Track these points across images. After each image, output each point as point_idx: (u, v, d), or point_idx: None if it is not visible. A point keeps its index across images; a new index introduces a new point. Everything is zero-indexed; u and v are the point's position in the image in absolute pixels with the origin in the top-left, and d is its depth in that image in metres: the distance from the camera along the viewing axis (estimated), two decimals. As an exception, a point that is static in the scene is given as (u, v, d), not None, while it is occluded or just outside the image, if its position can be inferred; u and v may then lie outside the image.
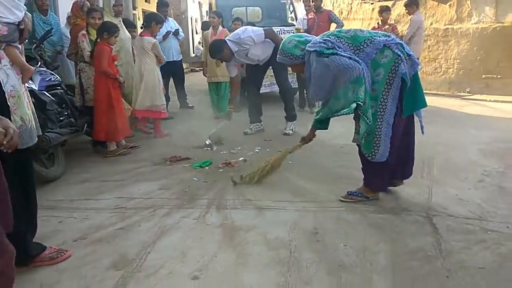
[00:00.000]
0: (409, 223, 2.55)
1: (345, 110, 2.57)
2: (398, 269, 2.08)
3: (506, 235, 2.38)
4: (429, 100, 7.27)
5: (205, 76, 6.56)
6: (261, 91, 7.08)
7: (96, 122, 4.34)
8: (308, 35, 3.03)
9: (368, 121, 2.52)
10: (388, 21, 7.13)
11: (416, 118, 2.85)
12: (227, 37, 4.90)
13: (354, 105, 2.47)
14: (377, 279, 2.00)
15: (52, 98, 3.96)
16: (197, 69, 12.51)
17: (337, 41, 2.62)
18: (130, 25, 5.58)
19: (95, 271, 2.18)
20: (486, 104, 7.17)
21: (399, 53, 2.54)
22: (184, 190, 3.31)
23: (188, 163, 4.03)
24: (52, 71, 4.68)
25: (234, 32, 4.96)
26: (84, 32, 4.47)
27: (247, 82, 5.53)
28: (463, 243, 2.29)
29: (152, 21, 4.96)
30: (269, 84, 7.51)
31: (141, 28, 5.69)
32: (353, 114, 2.70)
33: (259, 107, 5.39)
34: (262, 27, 6.71)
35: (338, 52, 2.54)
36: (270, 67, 5.24)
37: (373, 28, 6.97)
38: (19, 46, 2.19)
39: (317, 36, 6.48)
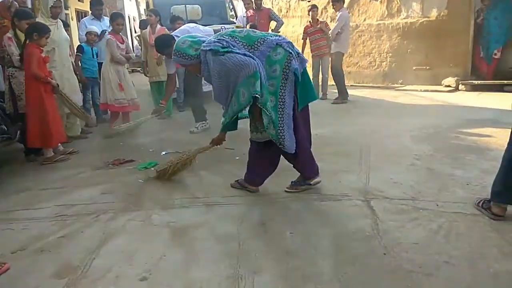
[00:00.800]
0: (349, 207, 2.70)
1: (245, 107, 2.71)
2: (340, 250, 2.20)
3: (436, 212, 2.59)
4: (365, 92, 7.77)
5: (146, 76, 6.43)
6: (204, 90, 7.12)
7: (28, 129, 4.08)
8: (201, 35, 3.06)
9: (268, 113, 2.65)
10: (318, 18, 7.38)
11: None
12: (174, 33, 4.77)
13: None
14: (321, 261, 2.10)
15: (-21, 105, 3.71)
16: (138, 69, 12.15)
17: (232, 40, 2.72)
18: (64, 25, 5.32)
19: (37, 281, 2.09)
20: (417, 94, 7.68)
21: (290, 50, 2.72)
22: (128, 193, 3.24)
23: (132, 165, 3.95)
24: (-23, 76, 4.38)
25: (181, 28, 4.83)
26: (10, 35, 4.18)
27: (188, 81, 5.46)
28: (398, 222, 2.47)
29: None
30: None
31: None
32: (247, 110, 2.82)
33: (202, 105, 5.38)
34: (203, 25, 6.74)
35: (233, 50, 2.64)
36: None
37: (306, 27, 7.22)
38: None
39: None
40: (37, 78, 3.98)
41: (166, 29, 5.86)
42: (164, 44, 4.50)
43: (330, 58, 7.23)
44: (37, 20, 4.45)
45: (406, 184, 3.04)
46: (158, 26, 6.00)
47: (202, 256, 2.24)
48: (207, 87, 7.20)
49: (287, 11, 11.55)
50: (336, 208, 2.69)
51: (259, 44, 2.71)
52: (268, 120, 2.67)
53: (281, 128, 2.71)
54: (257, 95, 2.57)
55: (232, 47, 2.66)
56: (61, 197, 3.27)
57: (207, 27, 4.92)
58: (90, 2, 6.72)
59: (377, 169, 3.39)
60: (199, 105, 5.37)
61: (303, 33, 7.24)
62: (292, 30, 11.00)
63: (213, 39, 2.76)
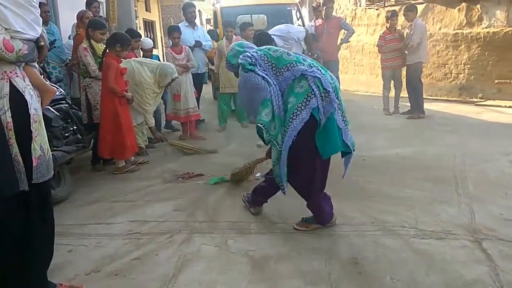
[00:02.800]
0: (457, 248, 2.31)
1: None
2: (458, 307, 1.84)
3: None
4: (440, 106, 7.18)
5: (216, 88, 6.43)
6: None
7: (100, 138, 4.11)
8: (250, 44, 2.90)
9: (278, 147, 2.43)
10: (396, 27, 6.92)
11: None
12: (271, 31, 4.69)
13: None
14: (437, 320, 1.76)
15: (56, 113, 3.74)
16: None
17: (261, 58, 2.53)
18: (136, 35, 5.37)
19: (113, 313, 1.94)
20: (502, 110, 6.95)
21: (313, 87, 2.38)
22: (200, 211, 3.07)
23: (202, 180, 3.80)
24: (55, 84, 4.47)
25: (277, 27, 4.75)
26: (85, 45, 4.22)
27: None
28: (522, 272, 2.05)
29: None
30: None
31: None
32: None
33: None
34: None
35: (256, 70, 2.47)
36: None
37: (384, 33, 6.76)
38: (36, 65, 1.97)
39: (326, 43, 6.31)
40: (113, 92, 3.98)
41: (241, 38, 5.77)
42: (265, 40, 4.25)
43: (401, 70, 6.77)
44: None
45: (521, 222, 2.58)
46: (234, 37, 5.91)
47: (289, 297, 1.98)
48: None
49: (352, 19, 11.13)
50: (441, 249, 2.31)
51: (285, 69, 2.46)
52: (277, 155, 2.47)
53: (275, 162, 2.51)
54: (260, 125, 2.40)
55: (259, 66, 2.50)
56: (133, 211, 3.17)
57: (300, 27, 4.79)
58: (182, 7, 6.79)
59: (480, 200, 2.94)
60: None
61: (379, 39, 6.78)
62: (358, 39, 10.57)
63: (248, 53, 2.59)
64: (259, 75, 2.45)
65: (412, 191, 3.18)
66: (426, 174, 3.56)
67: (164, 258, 2.42)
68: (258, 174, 3.75)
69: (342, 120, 2.49)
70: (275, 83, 2.44)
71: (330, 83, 2.43)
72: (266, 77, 2.45)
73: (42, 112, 3.41)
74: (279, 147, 2.42)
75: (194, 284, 2.13)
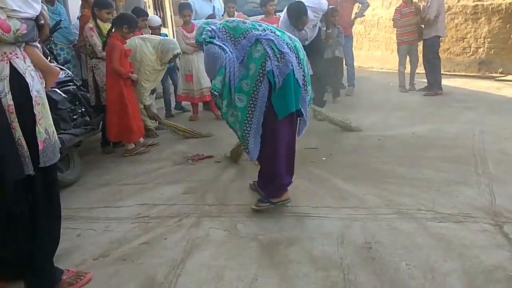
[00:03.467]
0: (477, 233, 2.20)
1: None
2: (477, 295, 1.75)
3: None
4: (459, 82, 6.92)
5: None
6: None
7: (107, 121, 4.06)
8: (216, 21, 2.80)
9: (224, 114, 2.54)
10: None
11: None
12: (304, 2, 4.41)
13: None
14: (455, 309, 1.67)
15: (64, 95, 3.69)
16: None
17: (220, 30, 2.54)
18: (142, 14, 5.24)
19: (120, 299, 1.90)
20: (523, 85, 6.67)
21: (268, 50, 2.39)
22: (210, 194, 3.01)
23: (212, 162, 3.74)
24: (62, 65, 4.41)
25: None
26: (91, 25, 4.12)
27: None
28: (547, 258, 1.94)
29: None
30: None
31: None
32: None
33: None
34: (277, 11, 6.34)
35: (213, 41, 2.50)
36: None
37: (401, 6, 6.47)
38: (38, 45, 1.89)
39: (339, 17, 6.05)
40: (118, 74, 3.90)
41: (243, 14, 5.60)
42: (301, 11, 4.25)
43: (418, 45, 6.51)
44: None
45: (545, 205, 2.45)
46: (236, 12, 5.72)
47: (300, 284, 1.91)
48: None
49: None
50: (459, 233, 2.20)
51: (242, 38, 2.47)
52: (229, 121, 2.55)
53: (247, 131, 2.49)
54: (214, 92, 2.49)
55: (217, 38, 2.52)
56: (143, 194, 3.13)
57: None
58: None
59: (501, 181, 2.80)
60: None
61: (395, 13, 6.49)
62: (373, 13, 10.21)
63: (209, 27, 2.58)
64: (216, 45, 2.47)
65: (429, 172, 3.05)
66: (443, 154, 3.42)
67: (172, 243, 2.37)
68: None
69: (302, 79, 2.51)
70: (231, 51, 2.45)
71: (287, 43, 2.45)
72: (223, 46, 2.47)
73: (48, 95, 3.41)
74: (224, 115, 2.53)
75: (202, 269, 2.08)
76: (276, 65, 2.37)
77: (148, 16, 5.56)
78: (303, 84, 2.50)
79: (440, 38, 6.39)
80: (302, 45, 4.34)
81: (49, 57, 4.23)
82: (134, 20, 4.00)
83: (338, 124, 4.36)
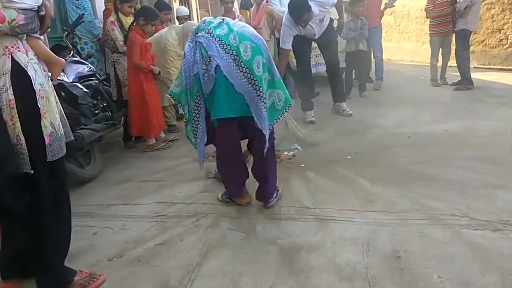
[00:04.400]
0: (518, 243, 2.00)
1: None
2: (520, 315, 1.57)
3: None
4: (494, 76, 6.54)
5: None
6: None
7: (129, 116, 4.04)
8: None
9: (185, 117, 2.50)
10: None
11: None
12: None
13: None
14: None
15: (85, 90, 3.66)
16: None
17: (194, 31, 2.42)
18: (165, 8, 5.16)
19: (132, 304, 1.83)
20: None
21: (197, 53, 2.27)
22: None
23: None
24: (85, 60, 4.40)
25: None
26: (113, 19, 4.08)
27: (299, 60, 4.83)
28: None
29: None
30: (314, 65, 6.97)
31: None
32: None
33: (312, 91, 4.90)
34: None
35: (188, 43, 2.41)
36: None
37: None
38: (41, 37, 1.82)
39: (368, 8, 5.76)
40: (139, 68, 3.85)
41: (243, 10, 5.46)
42: (305, 7, 3.93)
43: (451, 37, 6.17)
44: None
45: None
46: (264, 1, 5.56)
47: (321, 294, 1.78)
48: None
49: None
50: (497, 243, 2.01)
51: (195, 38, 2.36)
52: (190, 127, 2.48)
53: (195, 137, 2.48)
54: (169, 95, 2.52)
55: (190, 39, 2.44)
56: (161, 192, 3.07)
57: None
58: None
59: (544, 185, 2.57)
60: (310, 91, 4.81)
61: (428, 3, 6.15)
62: (403, 3, 9.83)
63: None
64: (187, 47, 2.40)
65: (463, 173, 2.84)
66: (478, 154, 3.18)
67: (189, 244, 2.29)
68: None
69: (250, 84, 2.24)
70: (191, 54, 2.33)
71: (227, 45, 2.21)
72: (187, 48, 2.38)
73: (69, 90, 3.39)
74: (185, 119, 2.48)
75: (217, 275, 1.98)
76: (204, 69, 2.24)
77: (171, 10, 5.48)
78: (253, 89, 2.24)
79: (470, 32, 5.99)
80: (312, 40, 4.10)
81: (72, 51, 4.24)
82: (151, 12, 3.91)
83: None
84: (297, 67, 4.88)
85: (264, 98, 2.27)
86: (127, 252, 2.27)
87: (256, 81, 2.23)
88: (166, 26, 4.99)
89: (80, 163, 3.47)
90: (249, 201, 2.68)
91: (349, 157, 3.41)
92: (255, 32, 2.41)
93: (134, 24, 3.87)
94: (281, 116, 2.43)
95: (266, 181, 2.57)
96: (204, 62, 2.25)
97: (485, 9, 7.99)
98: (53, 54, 1.84)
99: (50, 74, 1.86)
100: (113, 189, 3.24)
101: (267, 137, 2.34)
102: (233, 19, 2.61)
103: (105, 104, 4.05)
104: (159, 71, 4.05)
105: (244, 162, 2.66)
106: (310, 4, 3.96)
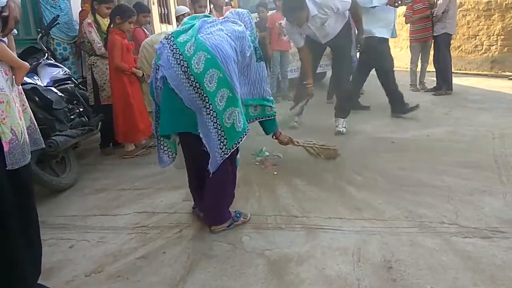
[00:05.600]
0: (508, 250, 1.98)
1: None
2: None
3: None
4: (471, 81, 6.65)
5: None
6: (289, 76, 6.54)
7: (114, 121, 3.88)
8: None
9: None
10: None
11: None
12: None
13: None
14: None
15: (60, 94, 3.50)
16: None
17: None
18: (144, 10, 5.02)
19: (112, 326, 1.71)
20: (540, 85, 6.42)
21: (154, 61, 2.17)
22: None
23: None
24: (61, 63, 4.23)
25: None
26: (89, 20, 3.93)
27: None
28: None
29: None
30: (296, 69, 6.96)
31: None
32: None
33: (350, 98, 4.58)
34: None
35: None
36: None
37: (413, 3, 6.20)
38: (5, 39, 1.69)
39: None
40: (121, 70, 3.71)
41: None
42: (295, 5, 3.63)
43: (431, 42, 6.25)
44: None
45: None
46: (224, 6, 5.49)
47: (313, 309, 1.71)
48: (292, 74, 6.69)
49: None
50: (488, 251, 1.98)
51: None
52: None
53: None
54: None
55: None
56: (142, 201, 2.94)
57: None
58: None
59: (529, 191, 2.59)
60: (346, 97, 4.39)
61: (407, 9, 6.23)
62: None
63: None
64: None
65: (449, 179, 2.83)
66: (463, 159, 3.19)
67: (172, 257, 2.18)
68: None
69: (200, 100, 2.00)
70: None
71: (180, 54, 2.00)
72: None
73: (43, 94, 3.22)
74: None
75: (203, 290, 1.89)
76: (156, 78, 2.12)
77: (149, 12, 5.34)
78: (203, 106, 2.01)
79: (451, 35, 6.11)
80: (321, 43, 3.82)
81: (46, 54, 4.06)
82: (127, 10, 3.77)
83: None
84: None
85: (215, 117, 2.01)
86: (106, 267, 2.14)
87: (206, 98, 1.98)
88: (145, 28, 4.86)
89: (54, 171, 3.30)
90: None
91: (334, 163, 3.37)
92: (229, 39, 2.10)
93: (112, 26, 3.74)
94: (241, 140, 2.10)
95: (208, 207, 2.37)
96: (156, 71, 2.12)
97: (461, 16, 8.18)
98: (17, 57, 1.70)
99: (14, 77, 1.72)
100: (90, 199, 3.09)
101: (215, 160, 2.08)
102: None
103: (81, 109, 3.89)
104: (143, 74, 3.91)
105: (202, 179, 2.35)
106: (305, 3, 3.66)
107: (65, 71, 4.00)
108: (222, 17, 2.40)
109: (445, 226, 2.24)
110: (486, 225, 2.22)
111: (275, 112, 2.53)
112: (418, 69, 6.54)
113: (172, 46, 2.05)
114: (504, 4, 7.64)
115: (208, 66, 1.97)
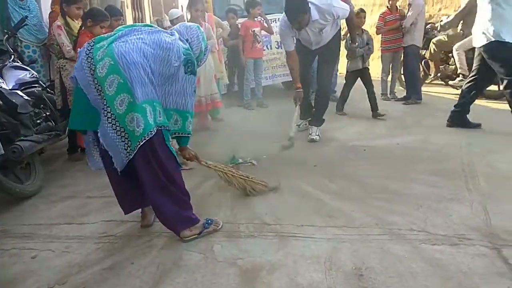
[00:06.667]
0: (474, 258, 2.02)
1: None
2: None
3: None
4: (439, 91, 6.83)
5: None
6: (263, 84, 6.56)
7: None
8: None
9: None
10: (397, 6, 6.51)
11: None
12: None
13: None
14: None
15: (26, 98, 3.37)
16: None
17: None
18: (116, 13, 4.92)
19: None
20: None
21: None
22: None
23: (190, 173, 3.46)
24: (28, 65, 4.08)
25: None
26: (59, 23, 3.82)
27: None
28: (553, 288, 1.78)
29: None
30: (270, 76, 7.00)
31: None
32: None
33: (309, 100, 4.57)
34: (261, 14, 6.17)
35: None
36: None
37: (385, 14, 6.36)
38: None
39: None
40: None
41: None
42: (300, 7, 3.60)
43: (401, 53, 6.42)
44: None
45: (543, 225, 2.31)
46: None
47: (284, 319, 1.69)
48: (266, 81, 6.71)
49: None
50: (456, 258, 2.02)
51: None
52: None
53: None
54: None
55: None
56: (110, 209, 2.85)
57: (344, 4, 3.96)
58: None
59: (494, 198, 2.65)
60: (307, 99, 4.48)
61: (379, 20, 6.38)
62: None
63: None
64: None
65: (418, 187, 2.89)
66: (432, 167, 3.27)
67: (140, 268, 2.11)
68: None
69: (102, 102, 2.09)
70: None
71: (90, 58, 2.11)
72: None
73: (7, 98, 3.10)
74: None
75: (173, 302, 1.83)
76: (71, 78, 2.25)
77: (121, 15, 5.24)
78: (102, 108, 2.10)
79: (418, 47, 6.26)
80: (311, 49, 3.85)
81: (13, 56, 3.92)
82: (100, 14, 3.68)
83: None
84: None
85: (114, 119, 2.08)
86: (71, 278, 2.05)
87: (105, 100, 2.08)
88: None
89: (19, 178, 3.17)
90: (146, 224, 2.55)
91: (307, 170, 3.38)
92: (145, 47, 2.14)
93: (83, 28, 3.64)
94: (140, 143, 2.08)
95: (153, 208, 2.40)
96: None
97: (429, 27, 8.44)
98: None
99: None
100: (56, 207, 2.98)
101: (120, 159, 2.14)
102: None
103: (48, 113, 3.76)
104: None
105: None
106: (309, 6, 3.68)
107: (32, 74, 3.86)
108: (171, 29, 2.48)
109: (414, 233, 2.27)
110: (454, 232, 2.26)
111: (191, 131, 2.46)
112: (389, 78, 6.70)
113: (89, 50, 2.16)
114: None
115: (110, 72, 2.06)
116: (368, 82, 5.40)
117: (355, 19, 4.38)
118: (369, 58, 5.51)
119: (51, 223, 2.69)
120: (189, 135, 2.45)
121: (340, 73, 7.09)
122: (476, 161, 3.35)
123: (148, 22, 14.88)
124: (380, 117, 5.16)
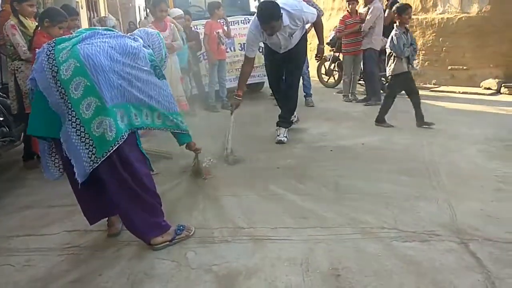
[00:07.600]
0: (445, 253, 2.08)
1: None
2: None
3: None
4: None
5: None
6: (227, 86, 6.51)
7: None
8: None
9: None
10: (357, 10, 6.69)
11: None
12: (280, 3, 3.74)
13: None
14: None
15: (-23, 102, 3.14)
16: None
17: None
18: (72, 13, 4.69)
19: None
20: (457, 96, 7.03)
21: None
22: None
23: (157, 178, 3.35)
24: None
25: (289, 2, 3.81)
26: (13, 22, 3.59)
27: (269, 73, 4.60)
28: (517, 278, 1.87)
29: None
30: (234, 78, 6.95)
31: None
32: None
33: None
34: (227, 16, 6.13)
35: None
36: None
37: (345, 17, 6.51)
38: None
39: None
40: None
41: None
42: (274, 13, 3.61)
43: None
44: None
45: (504, 218, 2.42)
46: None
47: (265, 325, 1.65)
48: (230, 83, 6.66)
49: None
50: (428, 254, 2.07)
51: None
52: None
53: None
54: None
55: None
56: (73, 218, 2.70)
57: (312, 8, 4.10)
58: None
59: (457, 195, 2.76)
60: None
61: (339, 24, 6.52)
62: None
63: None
64: None
65: (386, 186, 2.96)
66: (398, 166, 3.36)
67: (109, 280, 2.01)
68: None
69: (65, 106, 1.96)
70: None
71: (53, 59, 1.97)
72: None
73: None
74: None
75: (147, 313, 1.75)
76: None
77: (77, 15, 5.03)
78: (66, 113, 1.97)
79: (375, 50, 6.44)
80: (278, 52, 3.87)
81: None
82: (58, 14, 3.49)
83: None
84: (269, 82, 4.65)
85: (79, 125, 1.96)
86: (33, 295, 1.92)
87: (70, 104, 1.95)
88: (74, 32, 4.54)
89: (-31, 188, 2.94)
90: (113, 233, 2.46)
91: (275, 172, 3.37)
92: (110, 51, 2.04)
93: (39, 28, 3.44)
94: (113, 149, 1.99)
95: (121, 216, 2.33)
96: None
97: (386, 31, 8.75)
98: None
99: None
100: (13, 218, 2.79)
101: (82, 168, 2.00)
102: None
103: (1, 119, 3.52)
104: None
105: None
106: (282, 12, 3.68)
107: (-19, 77, 3.61)
108: (130, 34, 2.41)
109: (386, 231, 2.32)
110: (423, 229, 2.33)
111: (186, 127, 2.43)
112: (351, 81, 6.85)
113: (50, 51, 2.02)
114: (424, 22, 8.29)
115: (76, 74, 1.95)
116: (412, 90, 4.78)
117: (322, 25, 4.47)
118: (414, 59, 4.78)
119: (9, 235, 2.51)
120: (185, 132, 2.43)
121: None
122: (438, 160, 3.49)
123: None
124: (426, 126, 4.64)
